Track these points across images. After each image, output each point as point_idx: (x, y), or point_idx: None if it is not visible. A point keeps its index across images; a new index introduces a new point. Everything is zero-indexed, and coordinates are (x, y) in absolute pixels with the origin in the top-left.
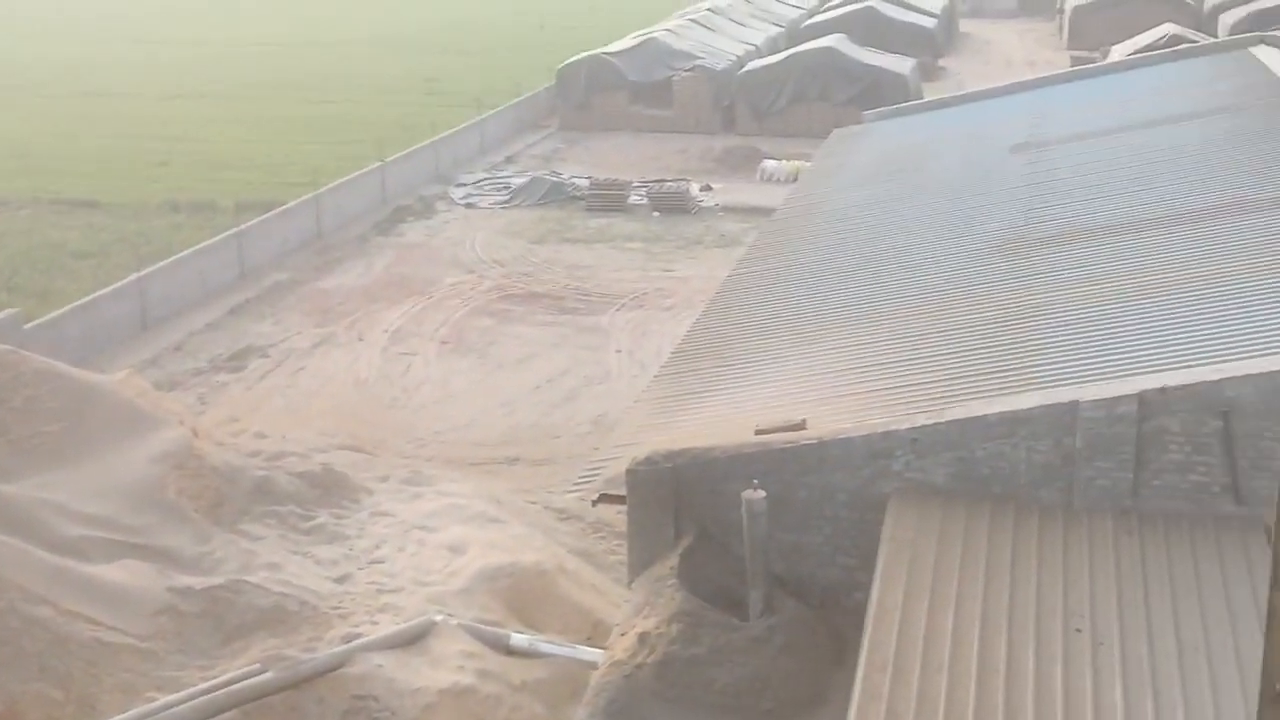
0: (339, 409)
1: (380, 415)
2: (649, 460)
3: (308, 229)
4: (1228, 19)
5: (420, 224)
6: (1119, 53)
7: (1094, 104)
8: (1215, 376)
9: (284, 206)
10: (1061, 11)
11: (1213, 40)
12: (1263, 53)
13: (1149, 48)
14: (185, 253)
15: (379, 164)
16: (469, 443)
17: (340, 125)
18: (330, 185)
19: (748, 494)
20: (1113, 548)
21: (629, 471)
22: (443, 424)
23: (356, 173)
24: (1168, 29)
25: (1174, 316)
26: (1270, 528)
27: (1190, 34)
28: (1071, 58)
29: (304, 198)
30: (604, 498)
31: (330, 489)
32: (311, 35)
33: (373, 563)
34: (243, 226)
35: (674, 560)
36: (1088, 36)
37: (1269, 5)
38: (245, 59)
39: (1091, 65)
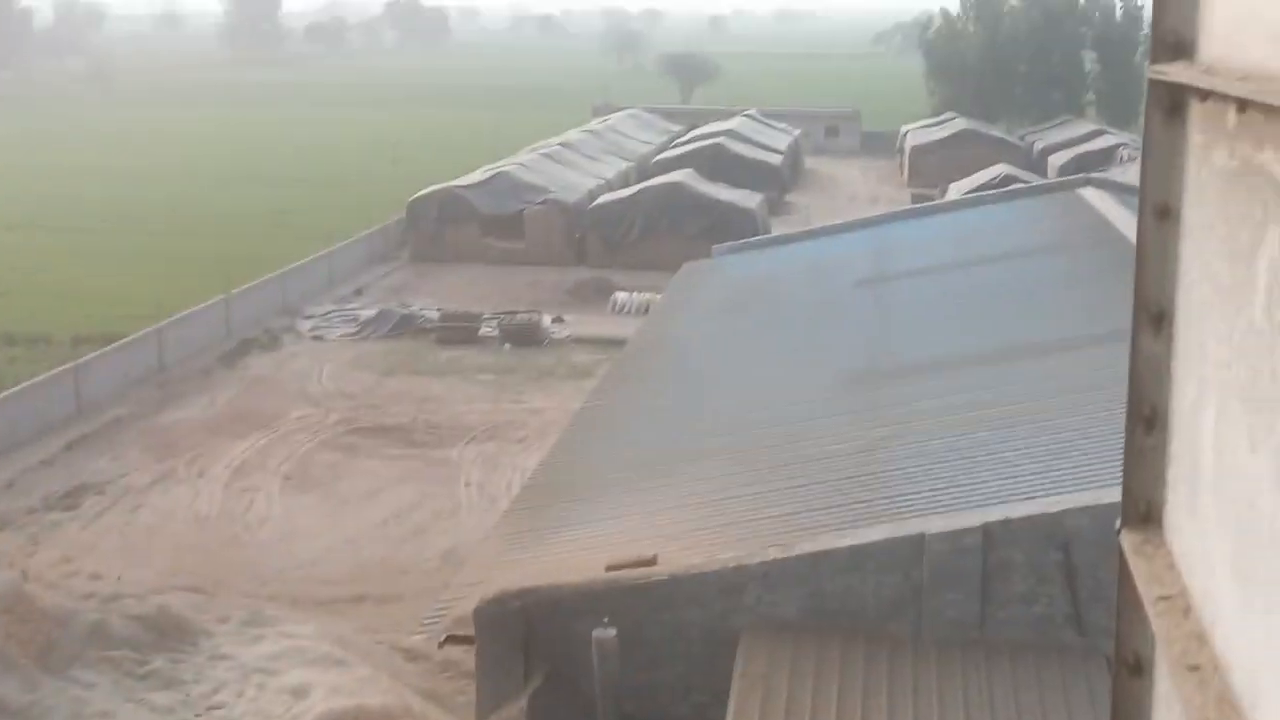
0: (178, 548)
1: (221, 554)
2: (497, 599)
3: (149, 362)
4: (1056, 160)
5: (266, 357)
6: (956, 191)
7: (934, 240)
8: (1055, 509)
9: (124, 339)
10: (901, 151)
11: (1043, 181)
12: (1089, 194)
13: (984, 187)
14: (19, 387)
15: (224, 296)
16: (314, 581)
17: (186, 258)
18: (173, 317)
19: (598, 632)
20: (961, 679)
21: (477, 611)
22: (286, 562)
23: (201, 305)
24: (1001, 169)
25: (1015, 449)
26: (1110, 659)
27: (1022, 174)
28: (912, 195)
29: (145, 330)
30: (451, 638)
31: (167, 632)
32: (156, 166)
33: (211, 709)
34: (81, 360)
35: (523, 701)
36: (927, 175)
37: (1094, 148)
38: (88, 190)
39: (931, 203)
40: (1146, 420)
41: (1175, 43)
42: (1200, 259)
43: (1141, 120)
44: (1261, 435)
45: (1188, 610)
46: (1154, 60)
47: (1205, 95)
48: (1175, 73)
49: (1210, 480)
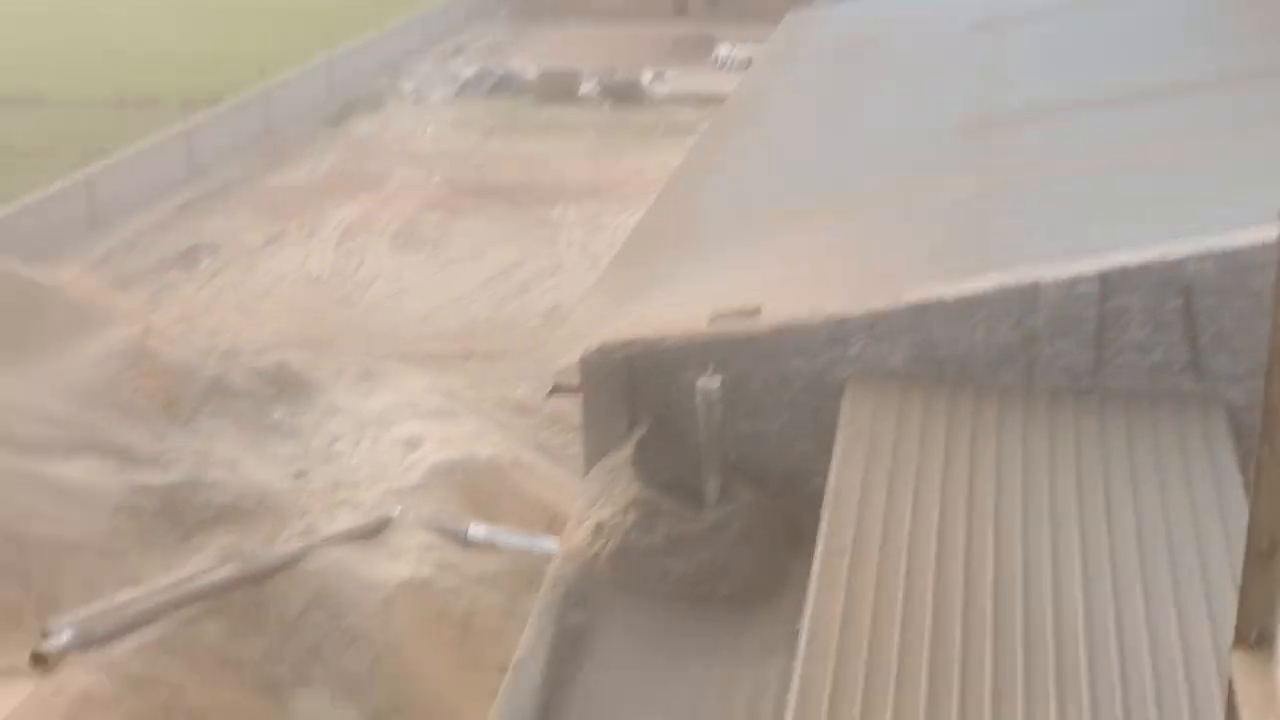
0: (291, 307)
1: (333, 312)
2: (601, 350)
3: (256, 124)
4: None
5: (370, 117)
6: None
7: None
8: (1176, 254)
9: (232, 102)
10: None
11: None
12: None
13: None
14: (133, 150)
15: (326, 57)
16: (422, 338)
17: (286, 13)
18: (278, 79)
19: (702, 382)
20: (1073, 428)
21: (582, 362)
22: (396, 320)
23: (304, 66)
24: None
25: (1136, 194)
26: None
27: None
28: None
29: (251, 92)
30: (557, 389)
31: (285, 386)
32: None
33: (329, 459)
34: (191, 123)
35: (629, 450)
36: None
37: None
38: None
39: None
40: (1264, 553)
41: None
42: None
43: None
44: None
45: None
46: None
47: None
48: None
49: None
